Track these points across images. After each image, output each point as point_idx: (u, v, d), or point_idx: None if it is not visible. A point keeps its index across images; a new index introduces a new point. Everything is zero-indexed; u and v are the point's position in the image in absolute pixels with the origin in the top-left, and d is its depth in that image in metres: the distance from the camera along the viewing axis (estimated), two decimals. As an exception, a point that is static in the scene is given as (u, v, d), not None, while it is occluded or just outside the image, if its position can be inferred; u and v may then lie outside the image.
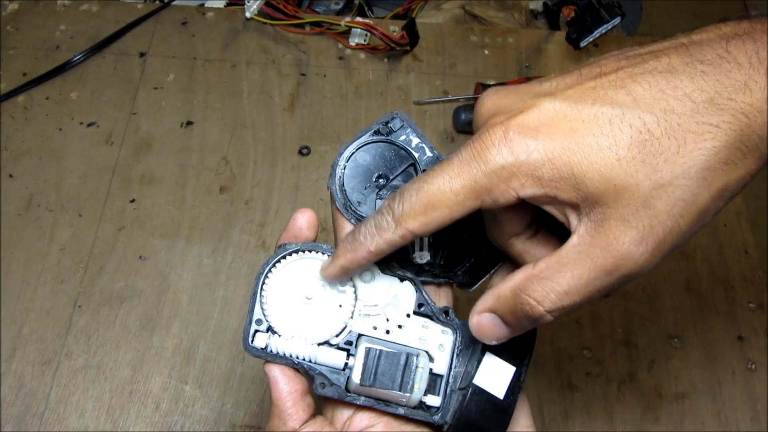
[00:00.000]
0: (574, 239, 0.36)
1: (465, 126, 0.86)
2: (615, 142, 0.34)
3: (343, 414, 0.44)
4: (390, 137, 0.47)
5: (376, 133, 0.47)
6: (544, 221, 0.40)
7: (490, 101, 0.38)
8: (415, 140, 0.46)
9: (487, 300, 0.39)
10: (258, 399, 0.69)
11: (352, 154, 0.46)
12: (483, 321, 0.39)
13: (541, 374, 0.72)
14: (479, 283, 0.48)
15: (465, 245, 0.47)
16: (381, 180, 0.46)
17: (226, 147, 0.85)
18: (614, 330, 0.75)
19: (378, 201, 0.46)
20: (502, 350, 0.42)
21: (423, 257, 0.45)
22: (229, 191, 0.82)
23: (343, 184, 0.46)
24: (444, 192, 0.36)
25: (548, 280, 0.36)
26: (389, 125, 0.47)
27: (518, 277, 0.37)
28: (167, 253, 0.77)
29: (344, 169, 0.46)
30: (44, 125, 0.86)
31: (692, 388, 0.72)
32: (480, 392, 0.41)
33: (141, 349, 0.71)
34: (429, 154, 0.46)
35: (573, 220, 0.36)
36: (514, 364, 0.42)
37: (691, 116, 0.33)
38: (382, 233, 0.38)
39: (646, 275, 0.36)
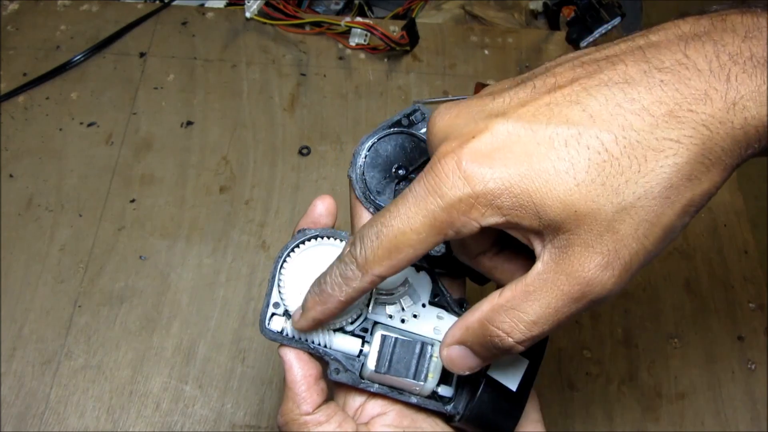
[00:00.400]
0: (539, 266, 0.35)
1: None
2: (572, 165, 0.32)
3: (356, 401, 0.45)
4: (411, 129, 0.47)
5: (398, 124, 0.47)
6: (512, 237, 0.39)
7: (442, 121, 0.36)
8: (426, 135, 0.47)
9: (455, 332, 0.38)
10: (258, 399, 0.69)
11: (374, 144, 0.47)
12: (453, 353, 0.39)
13: (541, 374, 0.72)
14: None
15: None
16: (401, 171, 0.46)
17: (226, 147, 0.85)
18: (614, 330, 0.75)
19: (396, 192, 0.46)
20: None
21: (439, 249, 0.46)
22: (229, 191, 0.82)
23: (364, 173, 0.46)
24: (405, 233, 0.34)
25: (515, 310, 0.35)
26: (411, 117, 0.47)
27: (485, 307, 0.36)
28: (167, 253, 0.77)
29: (365, 158, 0.46)
30: (44, 125, 0.86)
31: (692, 388, 0.72)
32: (493, 384, 0.41)
33: (141, 349, 0.71)
34: None
35: (537, 246, 0.35)
36: (527, 357, 0.42)
37: (651, 132, 0.32)
38: (350, 283, 0.37)
39: (615, 296, 0.34)
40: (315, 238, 0.44)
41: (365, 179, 0.46)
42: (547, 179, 0.32)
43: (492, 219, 0.34)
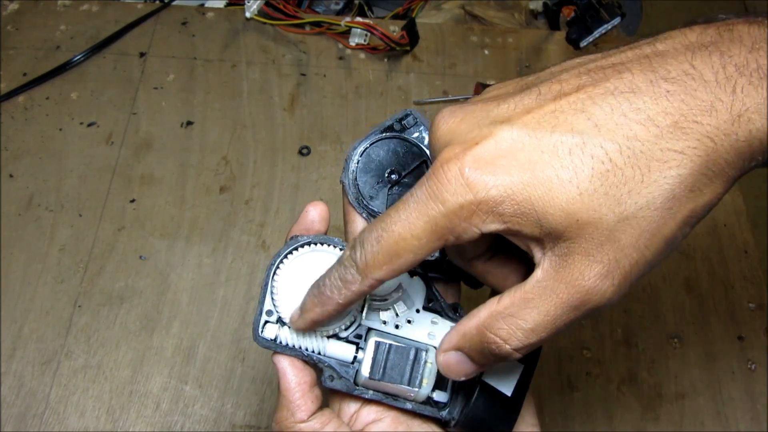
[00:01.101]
0: (538, 273, 0.34)
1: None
2: (576, 174, 0.32)
3: (350, 407, 0.44)
4: (403, 134, 0.47)
5: (390, 129, 0.47)
6: (506, 242, 0.39)
7: (445, 126, 0.36)
8: (428, 137, 0.46)
9: (452, 338, 0.38)
10: (258, 399, 0.69)
11: (366, 149, 0.47)
12: (449, 359, 0.39)
13: (541, 374, 0.72)
14: None
15: None
16: (393, 176, 0.46)
17: (226, 147, 0.85)
18: (614, 330, 0.75)
19: (389, 197, 0.46)
20: None
21: (433, 254, 0.46)
22: (229, 191, 0.82)
23: (356, 178, 0.46)
24: (405, 238, 0.34)
25: (513, 317, 0.35)
26: (403, 122, 0.47)
27: (483, 313, 0.36)
28: (167, 253, 0.77)
29: (357, 163, 0.46)
30: (44, 125, 0.86)
31: (692, 388, 0.72)
32: (488, 389, 0.41)
33: (141, 349, 0.71)
34: None
35: (537, 253, 0.35)
36: (522, 362, 0.42)
37: (655, 142, 0.32)
38: (349, 286, 0.37)
39: (613, 305, 0.34)
40: (307, 244, 0.44)
41: (358, 184, 0.46)
42: (550, 188, 0.32)
43: (493, 226, 0.34)
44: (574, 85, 0.34)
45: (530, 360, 0.42)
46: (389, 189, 0.47)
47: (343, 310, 0.39)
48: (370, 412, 0.44)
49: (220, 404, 0.69)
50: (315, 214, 0.44)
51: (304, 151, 0.86)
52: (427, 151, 0.46)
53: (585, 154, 0.32)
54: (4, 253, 0.76)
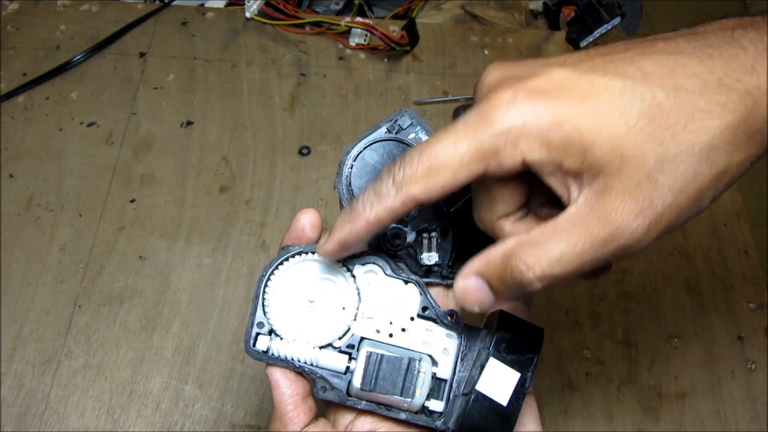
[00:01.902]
0: (572, 209, 0.35)
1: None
2: (625, 112, 0.34)
3: (345, 418, 0.44)
4: (398, 135, 0.46)
5: (385, 131, 0.46)
6: (536, 204, 0.40)
7: (497, 71, 0.37)
8: (425, 137, 0.46)
9: (475, 263, 0.38)
10: (258, 399, 0.69)
11: (360, 152, 0.46)
12: (469, 285, 0.38)
13: (541, 374, 0.72)
14: None
15: (473, 245, 0.46)
16: None
17: (226, 147, 0.85)
18: (614, 330, 0.75)
19: None
20: (507, 355, 0.41)
21: (431, 258, 0.45)
22: (229, 191, 0.82)
23: (350, 183, 0.45)
24: (448, 154, 0.35)
25: (541, 246, 0.35)
26: (398, 123, 0.46)
27: (510, 243, 0.36)
28: (167, 253, 0.77)
29: (351, 168, 0.46)
30: (44, 125, 0.86)
31: (692, 388, 0.72)
32: (483, 398, 0.41)
33: (141, 349, 0.71)
34: None
35: (573, 190, 0.35)
36: (518, 370, 0.41)
37: (700, 94, 0.33)
38: (382, 200, 0.36)
39: (642, 252, 0.35)
40: (298, 254, 0.43)
41: (352, 190, 0.45)
42: (599, 121, 0.34)
43: (537, 155, 0.34)
44: (623, 48, 0.36)
45: (527, 369, 0.42)
46: None
47: (371, 231, 0.38)
48: (365, 423, 0.44)
49: (220, 404, 0.69)
50: (306, 221, 0.44)
51: (304, 151, 0.86)
52: None
53: (634, 95, 0.34)
54: (4, 253, 0.76)
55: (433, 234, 0.46)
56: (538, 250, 0.35)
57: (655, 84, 0.34)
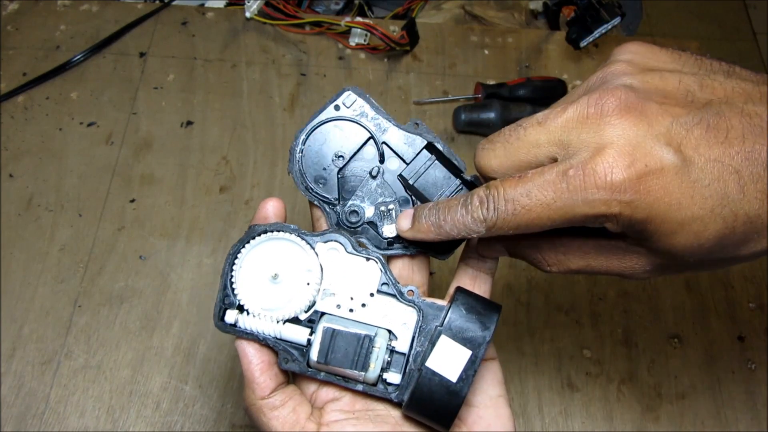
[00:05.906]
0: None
1: (465, 126, 0.86)
2: (704, 228, 0.37)
3: (310, 387, 0.47)
4: (344, 114, 0.47)
5: (329, 111, 0.47)
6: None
7: (618, 118, 0.37)
8: (371, 113, 0.48)
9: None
10: (258, 399, 0.69)
11: (308, 136, 0.47)
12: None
13: (541, 374, 0.72)
14: (454, 250, 0.48)
15: None
16: (340, 159, 0.47)
17: (226, 147, 0.85)
18: (614, 330, 0.75)
19: (340, 180, 0.47)
20: (459, 333, 0.43)
21: (392, 231, 0.47)
22: (229, 191, 0.82)
23: (302, 167, 0.47)
24: (541, 218, 0.38)
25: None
26: (343, 102, 0.48)
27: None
28: (167, 253, 0.77)
29: (301, 152, 0.47)
30: (44, 125, 0.86)
31: (692, 388, 0.72)
32: (432, 374, 0.42)
33: (141, 349, 0.71)
34: (386, 125, 0.47)
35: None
36: (470, 348, 0.43)
37: None
38: (470, 233, 0.41)
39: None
40: (264, 232, 0.45)
41: (304, 173, 0.47)
42: (679, 224, 0.37)
43: (608, 225, 0.38)
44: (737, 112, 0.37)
45: (478, 347, 0.42)
46: (338, 172, 0.47)
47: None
48: (328, 392, 0.46)
49: (220, 404, 0.69)
50: (270, 210, 0.47)
51: (304, 151, 0.86)
52: (372, 127, 0.47)
53: (719, 217, 0.36)
54: (4, 253, 0.76)
55: (391, 207, 0.47)
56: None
57: (746, 204, 0.36)
